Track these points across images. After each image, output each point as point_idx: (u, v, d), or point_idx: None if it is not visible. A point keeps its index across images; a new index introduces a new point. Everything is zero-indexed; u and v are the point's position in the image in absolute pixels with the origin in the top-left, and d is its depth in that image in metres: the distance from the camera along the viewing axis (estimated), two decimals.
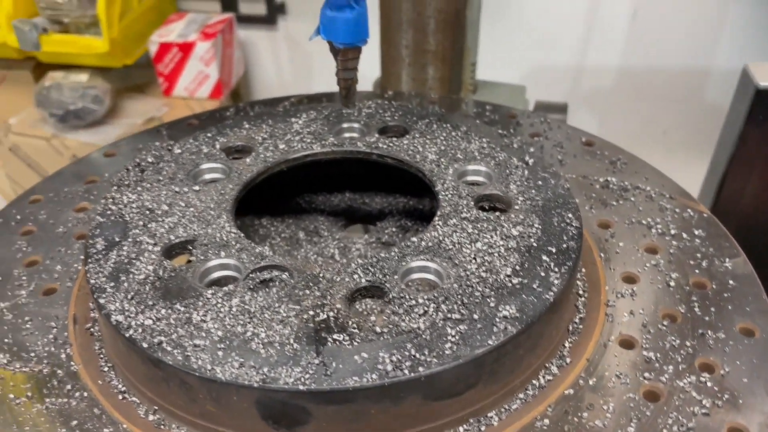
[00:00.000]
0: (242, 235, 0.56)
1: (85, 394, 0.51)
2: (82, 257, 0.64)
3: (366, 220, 0.80)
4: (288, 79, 1.79)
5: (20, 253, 0.65)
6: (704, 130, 1.59)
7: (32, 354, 0.54)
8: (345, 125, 0.72)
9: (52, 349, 0.54)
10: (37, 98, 1.46)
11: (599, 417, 0.48)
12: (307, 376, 0.44)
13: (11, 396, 0.50)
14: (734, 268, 0.61)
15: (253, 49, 1.75)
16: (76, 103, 1.44)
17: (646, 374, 0.51)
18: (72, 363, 0.53)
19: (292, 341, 0.46)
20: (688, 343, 0.54)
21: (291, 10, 1.70)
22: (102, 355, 0.54)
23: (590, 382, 0.51)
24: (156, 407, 0.50)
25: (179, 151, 0.67)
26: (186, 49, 1.53)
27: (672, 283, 0.60)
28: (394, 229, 0.75)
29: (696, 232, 0.66)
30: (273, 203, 0.78)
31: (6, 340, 0.55)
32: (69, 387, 0.51)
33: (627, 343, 0.54)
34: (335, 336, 0.46)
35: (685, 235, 0.66)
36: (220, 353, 0.45)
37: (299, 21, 1.72)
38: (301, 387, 0.43)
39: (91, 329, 0.57)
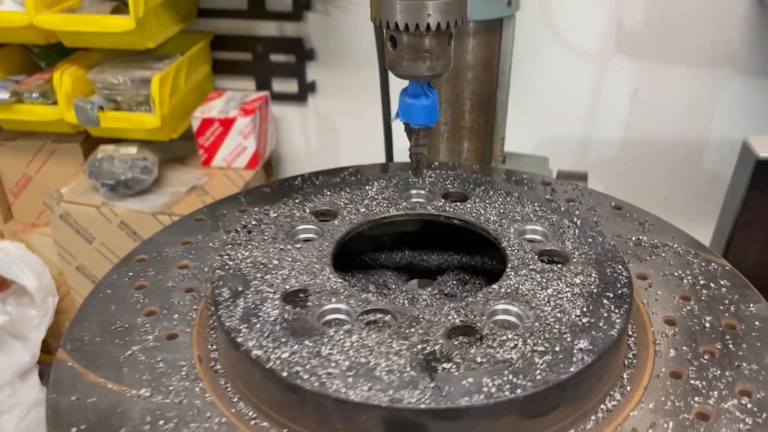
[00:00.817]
0: (347, 284, 0.66)
1: (224, 420, 0.59)
2: (196, 307, 0.74)
3: (425, 275, 0.90)
4: (316, 152, 1.92)
5: (139, 305, 0.74)
6: (702, 196, 1.72)
7: (170, 388, 0.63)
8: (413, 191, 0.84)
9: (187, 384, 0.63)
10: (90, 169, 1.57)
11: None
12: (426, 396, 0.53)
13: (161, 422, 0.59)
14: (758, 312, 0.72)
15: (285, 123, 1.89)
16: (127, 173, 1.55)
17: (696, 398, 0.61)
18: (206, 395, 0.62)
19: (408, 369, 0.56)
20: (727, 373, 0.64)
21: (320, 89, 1.85)
22: (228, 389, 0.63)
23: (650, 406, 0.60)
24: (286, 429, 0.58)
25: (275, 214, 0.78)
26: (227, 124, 1.66)
27: (707, 325, 0.70)
28: (454, 282, 0.85)
29: (722, 282, 0.77)
30: (343, 260, 0.88)
31: (144, 377, 0.64)
32: (209, 414, 0.60)
33: (676, 374, 0.64)
34: (443, 365, 0.56)
35: (712, 285, 0.76)
36: (350, 379, 0.55)
37: (328, 98, 1.86)
38: (422, 406, 0.53)
39: (214, 368, 0.66)
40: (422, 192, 0.84)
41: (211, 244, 0.86)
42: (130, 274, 0.80)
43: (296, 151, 1.93)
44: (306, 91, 1.84)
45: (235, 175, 1.71)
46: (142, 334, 0.70)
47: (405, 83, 0.74)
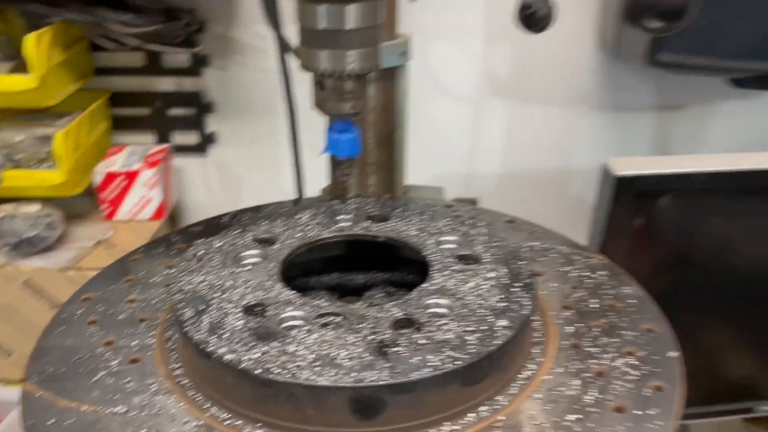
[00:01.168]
0: (300, 294, 0.75)
1: (201, 422, 0.66)
2: (152, 334, 0.79)
3: (354, 293, 1.00)
4: (218, 200, 1.98)
5: (95, 337, 0.78)
6: (570, 216, 1.92)
7: (144, 403, 0.68)
8: (340, 217, 0.94)
9: (159, 397, 0.69)
10: None
11: (572, 389, 0.71)
12: (384, 374, 0.63)
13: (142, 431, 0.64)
14: (633, 292, 0.88)
15: (186, 174, 1.93)
16: (30, 231, 1.53)
17: (594, 361, 0.75)
18: (180, 404, 0.68)
19: (365, 356, 0.65)
20: (615, 340, 0.79)
21: (220, 140, 1.92)
22: (199, 399, 0.69)
23: (559, 371, 0.74)
24: (260, 424, 0.65)
25: (220, 244, 0.86)
26: (132, 176, 1.69)
27: (595, 306, 0.85)
28: (381, 295, 0.96)
29: (602, 272, 0.93)
30: None
31: (117, 397, 0.69)
32: (186, 419, 0.66)
33: (575, 346, 0.78)
34: (394, 349, 0.66)
35: (594, 275, 0.92)
36: (317, 369, 0.64)
37: (227, 148, 1.94)
38: (382, 382, 0.62)
39: (182, 382, 0.71)
40: (348, 216, 0.94)
41: (151, 280, 0.91)
42: (80, 312, 0.83)
43: (199, 201, 1.97)
44: (206, 142, 1.90)
45: (141, 226, 1.73)
46: (105, 361, 0.74)
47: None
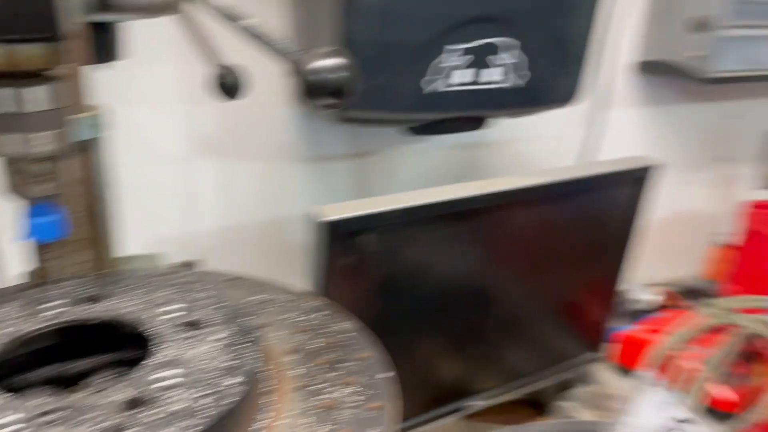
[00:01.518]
0: (14, 395, 0.69)
1: None
2: None
3: (80, 380, 0.94)
4: None
5: None
6: (291, 264, 2.04)
7: None
8: (46, 305, 0.89)
9: None
10: None
11: (307, 427, 0.77)
12: None
13: None
14: (350, 326, 0.99)
15: None
16: None
17: (323, 396, 0.83)
18: None
19: None
20: (339, 373, 0.88)
21: None
22: None
23: (295, 412, 0.80)
24: None
25: None
26: None
27: (320, 345, 0.94)
28: (112, 377, 0.92)
29: (323, 313, 1.02)
30: None
31: None
32: None
33: (306, 385, 0.85)
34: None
35: (316, 317, 1.01)
36: None
37: None
38: None
39: None
40: (57, 302, 0.89)
41: None
42: None
43: None
44: None
45: None
46: None
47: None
